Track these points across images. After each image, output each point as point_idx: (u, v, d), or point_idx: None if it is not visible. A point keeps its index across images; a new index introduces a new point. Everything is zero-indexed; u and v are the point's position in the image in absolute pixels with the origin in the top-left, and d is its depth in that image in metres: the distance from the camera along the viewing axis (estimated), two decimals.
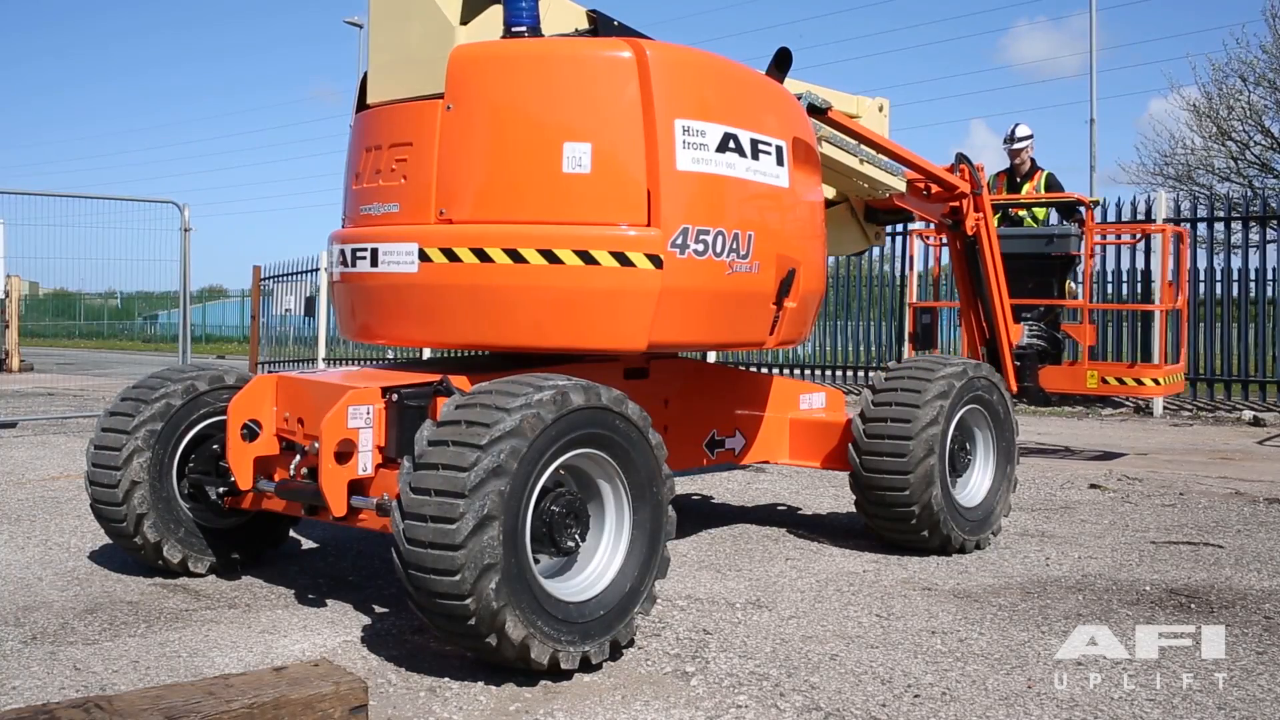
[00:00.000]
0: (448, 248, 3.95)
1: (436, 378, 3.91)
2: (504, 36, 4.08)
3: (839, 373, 15.33)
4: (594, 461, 3.45)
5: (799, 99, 4.99)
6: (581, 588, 3.42)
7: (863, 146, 5.61)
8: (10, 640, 3.63)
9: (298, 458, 3.95)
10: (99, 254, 12.71)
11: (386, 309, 4.21)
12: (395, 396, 3.78)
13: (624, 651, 3.52)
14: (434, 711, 3.02)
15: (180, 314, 11.83)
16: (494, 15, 4.14)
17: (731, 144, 4.11)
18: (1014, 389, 7.33)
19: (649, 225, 3.90)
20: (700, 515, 5.99)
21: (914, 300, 9.97)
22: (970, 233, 6.61)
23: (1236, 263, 13.57)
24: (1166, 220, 12.03)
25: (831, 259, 12.95)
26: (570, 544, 3.38)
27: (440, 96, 4.02)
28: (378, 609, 4.04)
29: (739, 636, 3.73)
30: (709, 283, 4.06)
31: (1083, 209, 8.91)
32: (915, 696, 3.18)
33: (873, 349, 15.30)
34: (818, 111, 5.18)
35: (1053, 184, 9.54)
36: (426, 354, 13.38)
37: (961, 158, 6.55)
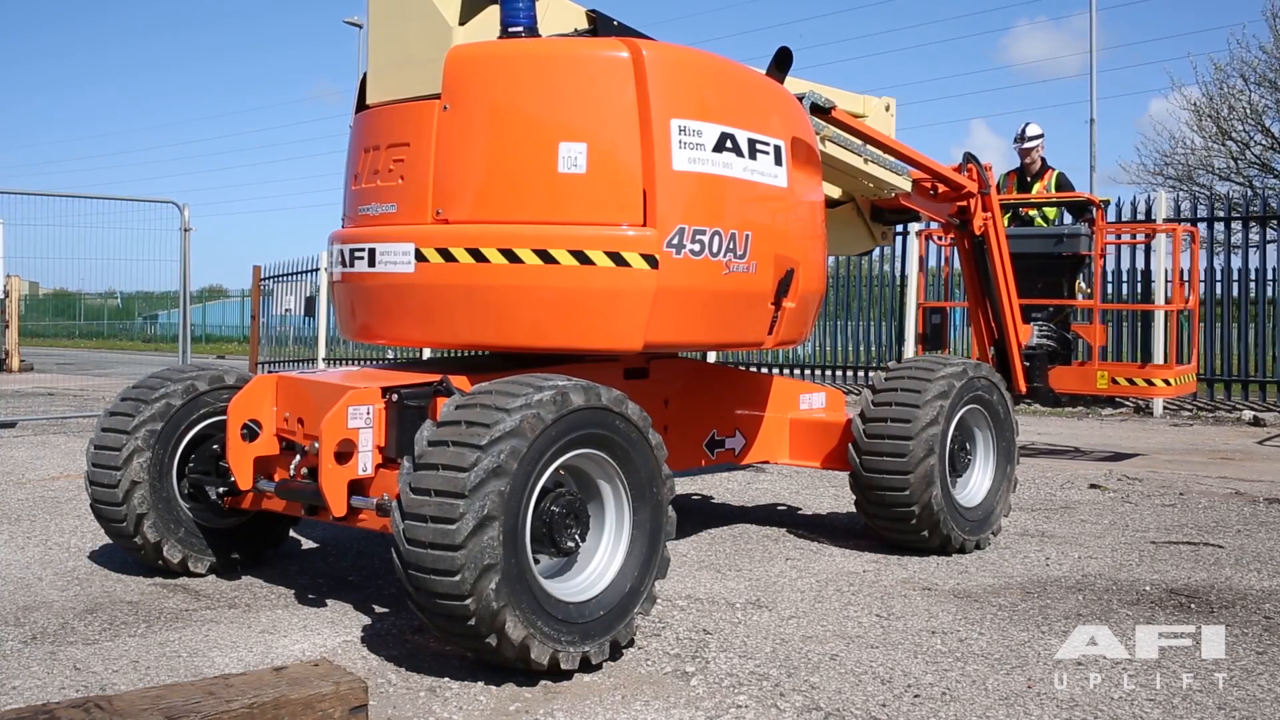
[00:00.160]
0: (444, 248, 3.95)
1: (436, 378, 3.91)
2: (501, 37, 4.09)
3: (839, 373, 15.34)
4: (594, 462, 3.45)
5: (802, 98, 4.99)
6: (581, 588, 3.42)
7: (868, 146, 5.60)
8: (10, 640, 3.63)
9: (298, 458, 3.96)
10: (99, 254, 12.73)
11: (385, 309, 4.21)
12: (395, 397, 3.78)
13: (624, 651, 3.53)
14: (434, 711, 3.02)
15: (180, 314, 11.83)
16: (492, 16, 4.14)
17: (729, 144, 4.11)
18: (1023, 389, 7.31)
19: (645, 225, 3.90)
20: (700, 515, 5.99)
21: (922, 300, 9.86)
22: (978, 233, 6.60)
23: (1236, 263, 13.58)
24: (1166, 220, 12.03)
25: (831, 259, 12.95)
26: (570, 544, 3.38)
27: (437, 97, 4.03)
28: (378, 609, 4.05)
29: (739, 636, 3.73)
30: (705, 283, 4.06)
31: (1093, 209, 8.88)
32: (915, 696, 3.18)
33: (873, 349, 15.30)
34: (821, 111, 5.17)
35: (1063, 183, 9.48)
36: (426, 354, 13.38)
37: (970, 157, 6.54)
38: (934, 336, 8.82)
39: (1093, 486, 7.13)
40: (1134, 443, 9.76)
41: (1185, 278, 9.88)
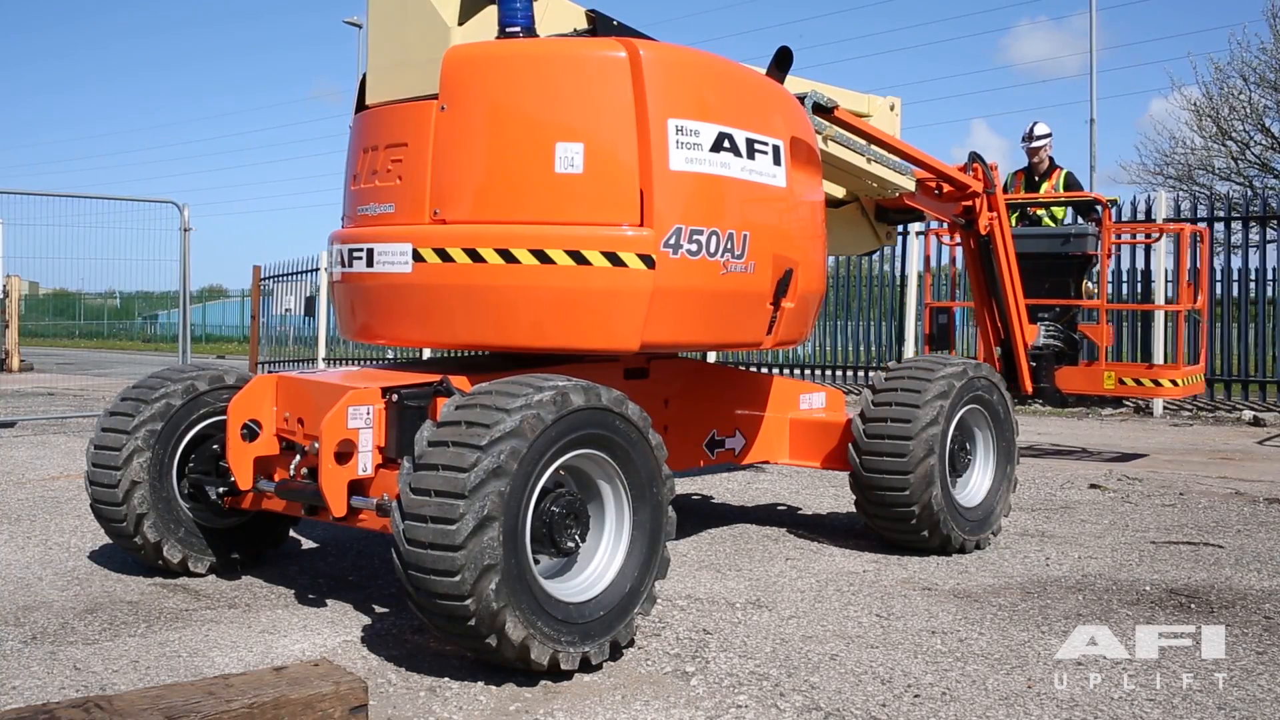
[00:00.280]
0: (441, 248, 3.95)
1: (436, 378, 3.91)
2: (498, 37, 4.09)
3: (839, 373, 15.34)
4: (594, 462, 3.45)
5: (804, 98, 4.99)
6: (581, 588, 3.42)
7: (871, 146, 5.59)
8: (10, 640, 3.63)
9: (298, 458, 3.96)
10: (99, 254, 12.74)
11: (384, 309, 4.21)
12: (395, 397, 3.78)
13: (624, 651, 3.53)
14: (434, 711, 3.02)
15: (180, 314, 11.83)
16: (490, 16, 4.14)
17: (726, 143, 4.10)
18: (1029, 390, 7.29)
19: (641, 225, 3.90)
20: (700, 515, 5.99)
21: (930, 300, 9.81)
22: (984, 232, 6.59)
23: (1236, 263, 13.58)
24: (1167, 220, 12.02)
25: (831, 259, 12.95)
26: (570, 544, 3.38)
27: (435, 97, 4.03)
28: (378, 609, 4.05)
29: (739, 636, 3.73)
30: (703, 283, 4.05)
31: (1100, 208, 8.85)
32: (915, 696, 3.18)
33: (873, 349, 15.30)
34: (823, 110, 5.17)
35: (1072, 183, 9.44)
36: (426, 354, 13.38)
37: (975, 156, 6.52)
38: (941, 336, 8.79)
39: (1093, 486, 7.13)
40: (1134, 443, 9.76)
41: (1190, 278, 9.82)
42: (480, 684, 3.22)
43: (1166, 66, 42.99)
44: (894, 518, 4.95)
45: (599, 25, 4.24)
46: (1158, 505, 6.44)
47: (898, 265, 14.83)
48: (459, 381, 3.89)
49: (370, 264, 4.14)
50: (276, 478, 4.03)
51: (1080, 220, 9.70)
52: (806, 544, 5.31)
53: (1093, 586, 4.47)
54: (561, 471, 3.40)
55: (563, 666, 3.21)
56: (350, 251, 4.24)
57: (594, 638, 3.32)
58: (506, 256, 3.88)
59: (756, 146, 4.23)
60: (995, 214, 6.59)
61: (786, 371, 14.93)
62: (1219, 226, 14.34)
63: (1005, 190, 9.08)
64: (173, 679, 3.22)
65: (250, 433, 4.07)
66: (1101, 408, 12.20)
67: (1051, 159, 9.52)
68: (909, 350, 14.11)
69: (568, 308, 3.91)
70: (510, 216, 3.93)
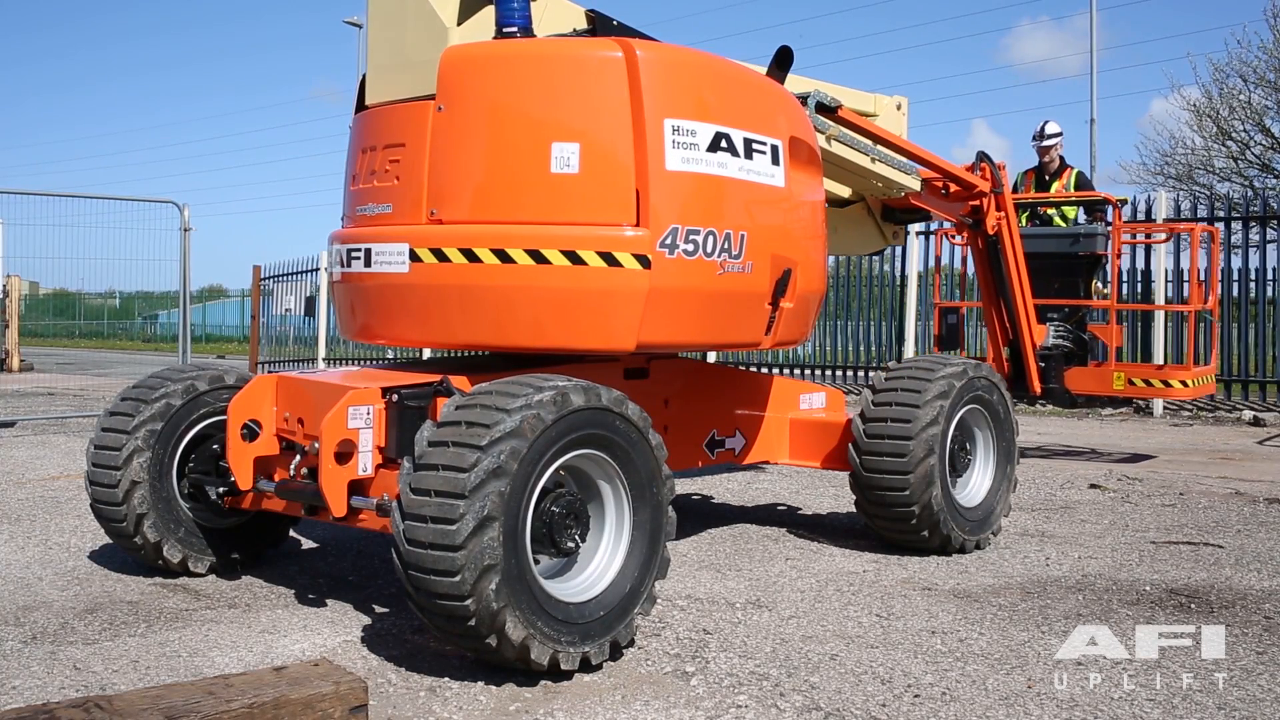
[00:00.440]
0: (437, 248, 3.96)
1: (436, 378, 3.91)
2: (496, 37, 4.08)
3: (839, 373, 15.33)
4: (594, 462, 3.45)
5: (808, 97, 4.98)
6: (582, 588, 3.42)
7: (876, 146, 5.58)
8: (10, 640, 3.63)
9: (298, 458, 3.96)
10: (99, 254, 12.73)
11: (383, 309, 4.21)
12: (395, 397, 3.78)
13: (624, 651, 3.53)
14: (434, 711, 3.02)
15: (180, 314, 11.83)
16: (489, 16, 4.14)
17: (723, 143, 4.10)
18: (1037, 390, 7.26)
19: (637, 225, 3.90)
20: (700, 515, 5.99)
21: (938, 300, 9.74)
22: (991, 232, 6.58)
23: (1237, 263, 13.57)
24: (1166, 220, 12.01)
25: (832, 259, 12.94)
26: (570, 544, 3.38)
27: (433, 97, 4.03)
28: (378, 609, 4.05)
29: (739, 636, 3.73)
30: (700, 283, 4.05)
31: (1109, 208, 8.81)
32: (915, 696, 3.18)
33: (873, 349, 15.30)
34: (827, 110, 5.16)
35: (1083, 183, 9.39)
36: (426, 354, 13.38)
37: (983, 156, 6.51)
38: (950, 336, 8.76)
39: (1093, 486, 7.13)
40: (1134, 443, 9.75)
41: (1201, 278, 9.76)
42: (480, 684, 3.22)
43: (1166, 67, 43.01)
44: (894, 518, 4.95)
45: (598, 25, 4.23)
46: (1158, 505, 6.44)
47: (898, 265, 14.83)
48: (459, 382, 3.89)
49: (368, 264, 4.15)
50: (276, 478, 4.03)
51: (1087, 220, 9.66)
52: (806, 544, 5.31)
53: (1093, 586, 4.47)
54: (561, 471, 3.40)
55: (563, 666, 3.21)
56: (349, 252, 4.24)
57: (594, 638, 3.32)
58: (502, 257, 3.88)
59: (754, 146, 4.23)
60: (1003, 214, 6.57)
61: (786, 371, 14.93)
62: (1219, 226, 14.33)
63: (1015, 190, 9.06)
64: (173, 679, 3.22)
65: (250, 433, 4.08)
66: (1101, 407, 12.20)
67: (1062, 158, 9.48)
68: (909, 350, 14.11)
69: (564, 308, 3.91)
70: (506, 217, 3.93)
